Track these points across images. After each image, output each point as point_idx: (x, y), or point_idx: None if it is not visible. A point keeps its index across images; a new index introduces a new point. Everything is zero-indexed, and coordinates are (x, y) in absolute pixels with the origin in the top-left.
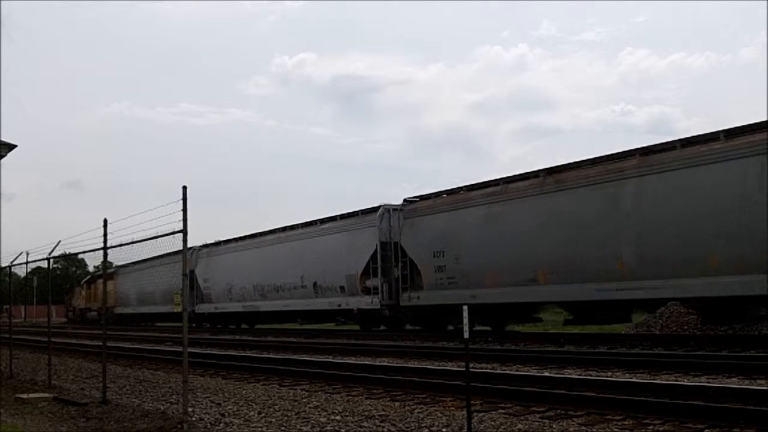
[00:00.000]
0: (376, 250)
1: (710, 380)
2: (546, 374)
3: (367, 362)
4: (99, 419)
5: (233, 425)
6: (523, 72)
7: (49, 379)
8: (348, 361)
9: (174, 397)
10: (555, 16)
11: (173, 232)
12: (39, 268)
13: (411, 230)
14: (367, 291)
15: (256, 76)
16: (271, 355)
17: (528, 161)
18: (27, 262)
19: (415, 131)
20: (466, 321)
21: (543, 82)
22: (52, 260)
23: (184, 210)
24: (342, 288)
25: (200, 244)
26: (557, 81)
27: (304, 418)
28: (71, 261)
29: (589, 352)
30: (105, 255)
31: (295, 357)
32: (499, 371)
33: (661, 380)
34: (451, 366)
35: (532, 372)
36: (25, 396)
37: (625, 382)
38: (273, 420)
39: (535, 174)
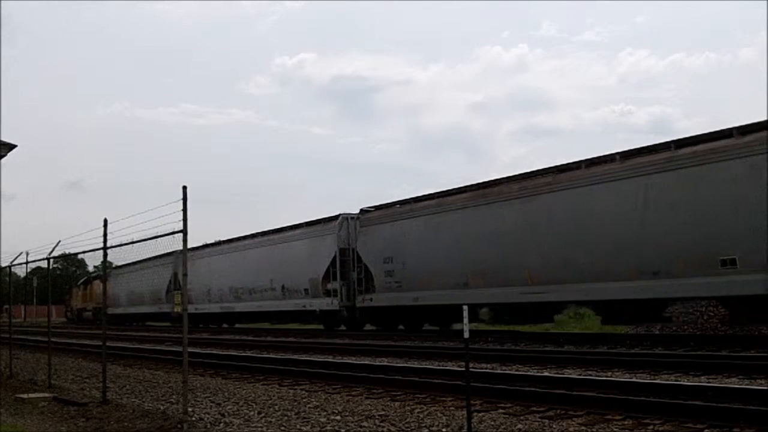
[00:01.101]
0: (335, 256)
1: (710, 380)
2: (546, 374)
3: (366, 362)
4: (99, 419)
5: (233, 425)
6: (524, 72)
7: (49, 378)
8: (348, 361)
9: (174, 396)
10: (555, 17)
11: (173, 232)
12: (39, 268)
13: (365, 238)
14: (328, 293)
15: (257, 76)
16: (271, 355)
17: (528, 161)
18: (27, 262)
19: (416, 131)
20: (466, 321)
21: (543, 82)
22: (51, 260)
23: (184, 210)
24: (306, 290)
25: (190, 246)
26: (557, 81)
27: (304, 418)
28: (71, 261)
29: (589, 352)
30: (105, 255)
31: (295, 357)
32: (499, 371)
33: (661, 380)
34: (451, 366)
35: (532, 372)
36: (25, 396)
37: (625, 382)
38: (273, 420)
39: (468, 188)
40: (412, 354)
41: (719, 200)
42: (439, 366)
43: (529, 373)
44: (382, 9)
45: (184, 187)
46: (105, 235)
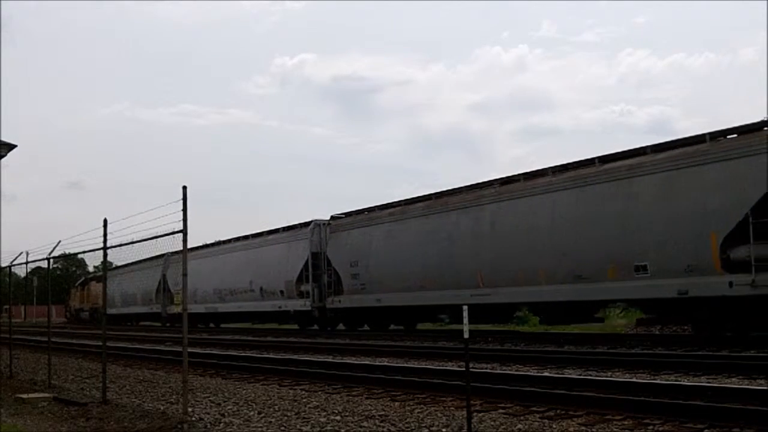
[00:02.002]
0: (308, 260)
1: (710, 380)
2: (546, 374)
3: (366, 362)
4: (99, 419)
5: (233, 425)
6: (523, 72)
7: (49, 378)
8: (348, 361)
9: (174, 397)
10: (555, 17)
11: (173, 232)
12: (39, 268)
13: (335, 243)
14: (301, 295)
15: (257, 76)
16: (271, 355)
17: (528, 161)
18: (27, 262)
19: (416, 131)
20: (466, 321)
21: (543, 82)
22: (51, 260)
23: (184, 210)
24: (282, 292)
25: (172, 250)
26: (557, 81)
27: (304, 418)
28: (71, 261)
29: (589, 352)
30: (105, 255)
31: (295, 357)
32: (499, 371)
33: (661, 380)
34: (451, 366)
35: (532, 372)
36: (25, 396)
37: (625, 382)
38: (273, 420)
39: (426, 198)
40: (412, 354)
41: (635, 212)
42: (438, 366)
43: (529, 373)
44: (382, 10)
45: (184, 188)
46: (105, 235)
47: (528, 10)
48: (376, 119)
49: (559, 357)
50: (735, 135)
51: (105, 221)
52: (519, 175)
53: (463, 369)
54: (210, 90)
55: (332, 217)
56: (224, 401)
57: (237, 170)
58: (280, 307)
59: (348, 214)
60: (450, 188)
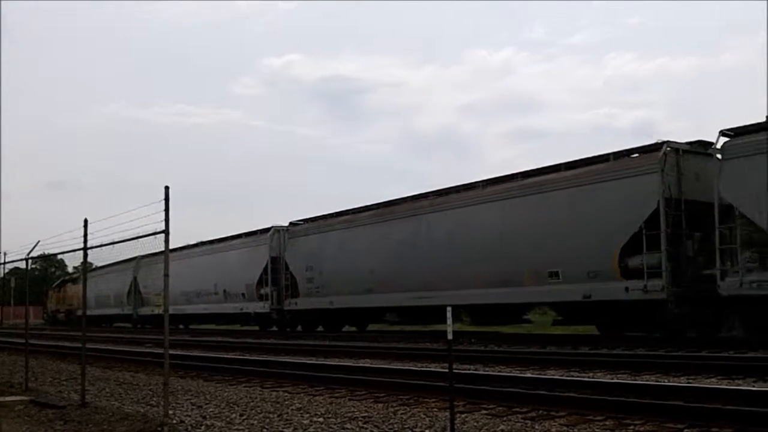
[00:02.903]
0: (267, 264)
1: (690, 381)
2: (528, 375)
3: (349, 364)
4: (78, 422)
5: (215, 427)
6: (512, 75)
7: (26, 381)
8: (330, 363)
9: (155, 399)
10: (544, 20)
11: (155, 233)
12: (17, 268)
13: (293, 248)
14: (261, 297)
15: (246, 76)
16: (253, 357)
17: (517, 163)
18: (4, 263)
19: (406, 133)
20: (449, 322)
21: (531, 84)
22: (30, 261)
23: (167, 210)
24: (243, 295)
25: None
26: (545, 84)
27: (287, 420)
28: (50, 262)
29: (571, 353)
30: (85, 255)
31: (277, 359)
32: (482, 372)
33: (641, 380)
34: (435, 367)
35: (515, 373)
36: (1, 399)
37: (606, 382)
38: (255, 422)
39: (373, 207)
40: (395, 355)
41: (549, 223)
42: (422, 367)
43: (511, 374)
44: (372, 11)
45: (167, 187)
46: (85, 235)
47: (517, 13)
48: (368, 120)
49: (541, 358)
50: (637, 154)
51: (85, 221)
52: (453, 187)
53: (447, 370)
54: (199, 90)
55: (291, 224)
56: (206, 403)
57: (226, 170)
58: (241, 309)
59: (305, 221)
60: (395, 198)
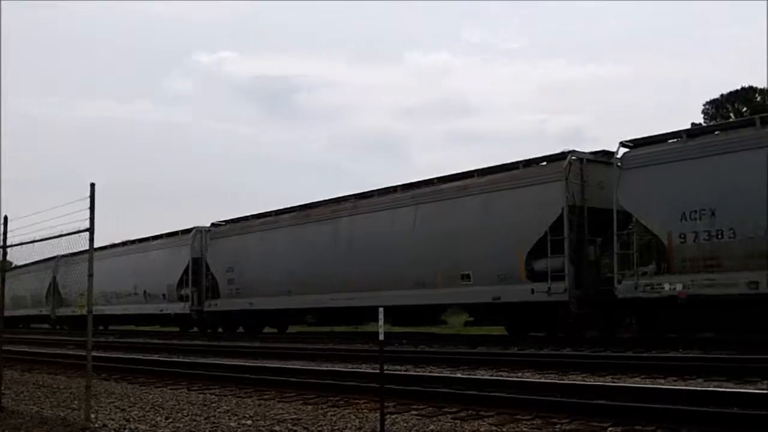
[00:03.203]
0: (188, 265)
1: (615, 380)
2: (459, 375)
3: (279, 365)
4: None
5: (138, 431)
6: (448, 78)
7: None
8: (260, 365)
9: (76, 402)
10: (480, 25)
11: (78, 231)
12: None
13: (214, 249)
14: (181, 298)
15: (179, 73)
16: (180, 359)
17: (450, 165)
18: None
19: (342, 133)
20: (381, 323)
21: (467, 88)
22: None
23: (92, 208)
24: (164, 295)
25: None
26: (480, 88)
27: (214, 422)
28: None
29: (501, 353)
30: (4, 254)
31: (205, 360)
32: (413, 373)
33: (568, 380)
34: (366, 368)
35: (446, 373)
36: None
37: (534, 382)
38: (181, 425)
39: (293, 209)
40: (326, 357)
41: (462, 228)
42: (352, 369)
43: (442, 375)
44: (309, 10)
45: (92, 185)
46: (5, 233)
47: (454, 17)
48: (303, 120)
49: (472, 359)
50: (545, 163)
51: (5, 218)
52: (371, 191)
53: (378, 371)
54: (130, 86)
55: (213, 224)
56: (130, 406)
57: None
58: (162, 310)
59: (228, 222)
60: (314, 201)
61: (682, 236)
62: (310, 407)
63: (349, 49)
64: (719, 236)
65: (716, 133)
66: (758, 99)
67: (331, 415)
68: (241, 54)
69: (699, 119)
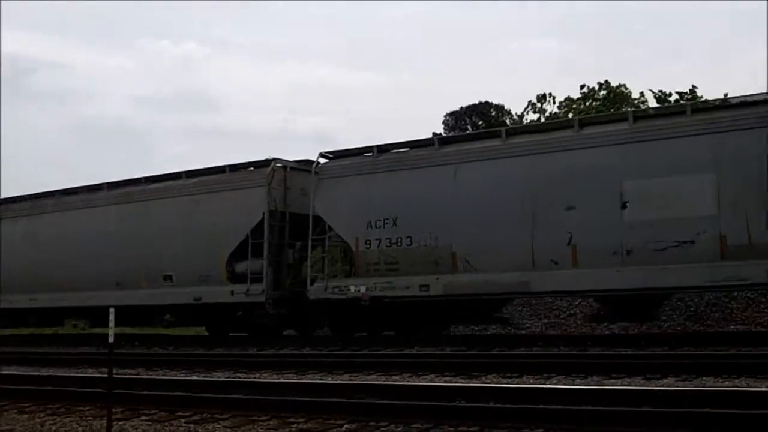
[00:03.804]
0: None
1: (352, 378)
2: (194, 378)
3: None
4: None
5: None
6: (191, 70)
7: None
8: None
9: None
10: (226, 18)
11: None
12: None
13: None
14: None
15: None
16: None
17: (190, 159)
18: None
19: (73, 120)
20: (111, 324)
21: (210, 82)
22: None
23: None
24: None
25: None
26: (224, 83)
27: None
28: None
29: (239, 354)
30: None
31: None
32: (144, 376)
33: (307, 380)
34: (93, 372)
35: (180, 376)
36: None
37: (273, 382)
38: None
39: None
40: (47, 361)
41: (165, 228)
42: (79, 373)
43: (176, 378)
44: None
45: None
46: None
47: (197, 8)
48: (29, 104)
49: (207, 360)
50: (252, 168)
51: None
52: (79, 187)
53: (106, 375)
54: None
55: None
56: None
57: None
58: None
59: None
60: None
61: (368, 242)
62: (25, 416)
63: (79, 29)
64: (399, 243)
65: (405, 150)
66: (493, 114)
67: (50, 425)
68: None
69: (440, 129)
